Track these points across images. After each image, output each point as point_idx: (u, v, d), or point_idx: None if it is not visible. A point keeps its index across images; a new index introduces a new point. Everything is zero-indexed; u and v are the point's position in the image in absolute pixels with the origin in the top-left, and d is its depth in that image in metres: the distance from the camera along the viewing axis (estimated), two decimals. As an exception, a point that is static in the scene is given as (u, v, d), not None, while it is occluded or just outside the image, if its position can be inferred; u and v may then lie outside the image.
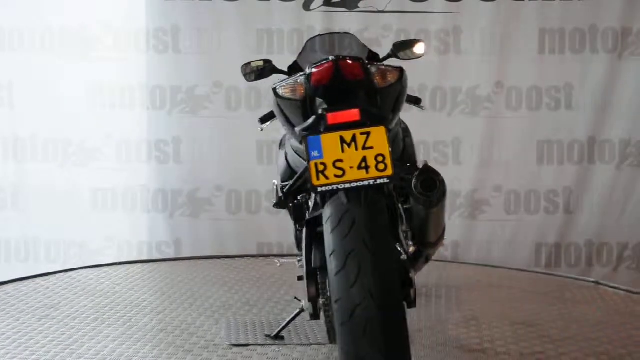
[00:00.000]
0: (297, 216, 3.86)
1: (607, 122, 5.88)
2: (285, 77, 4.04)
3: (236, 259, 5.66)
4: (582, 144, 5.88)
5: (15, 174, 5.93)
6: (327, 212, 2.72)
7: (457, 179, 5.71)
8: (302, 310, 3.66)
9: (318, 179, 2.62)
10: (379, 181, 2.63)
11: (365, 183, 2.62)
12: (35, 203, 5.91)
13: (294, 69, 4.16)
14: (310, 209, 3.28)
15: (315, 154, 2.63)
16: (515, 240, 5.92)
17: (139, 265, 5.38)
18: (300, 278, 3.78)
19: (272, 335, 3.67)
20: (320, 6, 5.90)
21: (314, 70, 2.77)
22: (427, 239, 2.93)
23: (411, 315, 2.84)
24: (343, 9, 5.91)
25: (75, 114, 5.87)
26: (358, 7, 5.91)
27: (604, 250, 5.93)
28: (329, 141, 2.63)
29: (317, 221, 2.95)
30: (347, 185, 2.62)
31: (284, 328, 3.70)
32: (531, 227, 5.92)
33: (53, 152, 5.91)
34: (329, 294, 2.81)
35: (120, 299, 4.43)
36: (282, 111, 2.99)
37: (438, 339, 3.78)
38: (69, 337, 3.74)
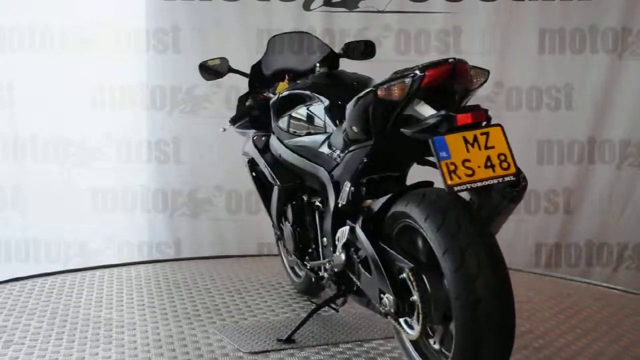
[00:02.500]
0: (296, 217, 3.88)
1: (607, 122, 5.90)
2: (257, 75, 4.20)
3: (236, 258, 5.65)
4: (582, 144, 5.90)
5: (15, 174, 5.90)
6: (416, 212, 2.76)
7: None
8: (314, 311, 3.67)
9: (451, 178, 2.64)
10: (505, 179, 2.67)
11: (495, 181, 2.66)
12: (35, 203, 5.89)
13: (257, 68, 4.21)
14: (331, 208, 3.30)
15: (443, 154, 2.65)
16: (515, 240, 5.90)
17: (135, 267, 5.31)
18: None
19: (284, 339, 3.61)
20: (320, 6, 5.90)
21: (427, 72, 2.77)
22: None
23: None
24: (343, 9, 5.91)
25: (75, 114, 5.85)
26: (358, 7, 5.91)
27: (604, 250, 5.96)
28: (454, 141, 2.67)
29: (371, 220, 3.04)
30: (479, 184, 2.65)
31: (295, 331, 3.63)
32: (531, 227, 5.93)
33: (53, 152, 5.89)
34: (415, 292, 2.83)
35: (98, 309, 4.23)
36: (364, 112, 2.99)
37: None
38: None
